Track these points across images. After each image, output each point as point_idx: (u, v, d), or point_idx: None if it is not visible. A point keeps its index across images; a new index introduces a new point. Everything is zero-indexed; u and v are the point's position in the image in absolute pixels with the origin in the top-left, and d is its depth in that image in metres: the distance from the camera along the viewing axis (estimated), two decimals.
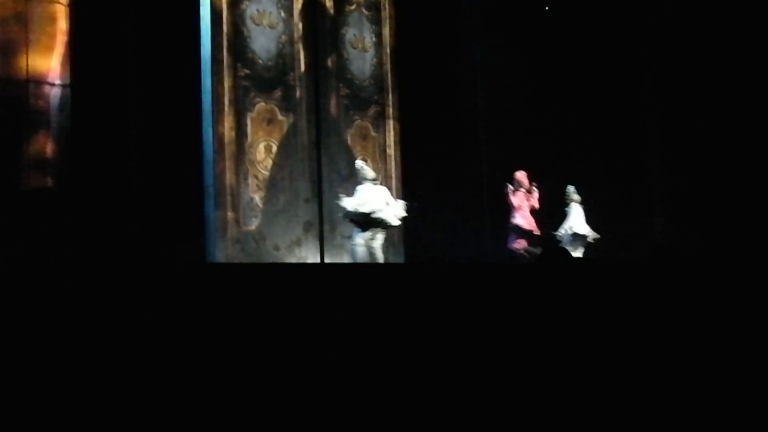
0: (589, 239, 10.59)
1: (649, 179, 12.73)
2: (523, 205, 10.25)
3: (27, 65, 8.49)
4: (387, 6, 11.80)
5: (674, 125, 12.47)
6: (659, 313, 4.58)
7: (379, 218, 9.26)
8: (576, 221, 10.66)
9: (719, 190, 11.43)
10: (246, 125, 10.14)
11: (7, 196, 8.20)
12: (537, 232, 10.24)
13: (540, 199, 10.52)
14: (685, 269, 4.96)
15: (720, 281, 5.10)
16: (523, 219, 10.16)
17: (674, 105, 12.46)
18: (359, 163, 10.01)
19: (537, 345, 4.31)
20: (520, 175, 10.46)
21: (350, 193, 9.62)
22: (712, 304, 4.77)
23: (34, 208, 8.27)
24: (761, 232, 10.60)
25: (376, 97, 11.57)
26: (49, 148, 8.57)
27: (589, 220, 11.09)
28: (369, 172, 9.73)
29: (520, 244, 10.18)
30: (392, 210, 9.43)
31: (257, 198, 10.11)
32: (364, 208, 9.22)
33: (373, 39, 11.65)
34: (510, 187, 10.44)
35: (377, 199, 9.36)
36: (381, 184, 10.15)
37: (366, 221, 9.29)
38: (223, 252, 9.65)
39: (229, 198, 9.83)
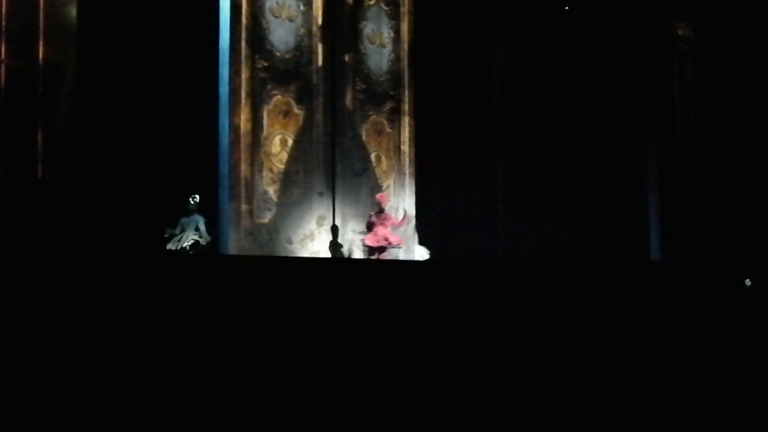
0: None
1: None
2: (378, 225, 10.18)
3: (40, 54, 8.50)
4: (406, 2, 11.79)
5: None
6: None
7: None
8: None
9: None
10: (262, 117, 10.15)
11: (20, 185, 8.22)
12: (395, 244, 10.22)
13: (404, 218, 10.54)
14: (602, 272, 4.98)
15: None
16: (373, 238, 10.12)
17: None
18: None
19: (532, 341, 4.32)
20: (379, 197, 10.40)
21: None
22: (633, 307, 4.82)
23: (47, 197, 8.29)
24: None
25: (392, 93, 11.56)
26: (62, 138, 8.56)
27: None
28: None
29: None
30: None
31: (271, 191, 10.12)
32: None
33: (392, 34, 11.64)
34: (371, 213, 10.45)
35: None
36: (394, 180, 10.22)
37: None
38: (237, 243, 9.66)
39: (243, 190, 9.84)
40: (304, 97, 10.57)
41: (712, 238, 12.40)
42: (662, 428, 4.38)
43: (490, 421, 4.18)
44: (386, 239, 9.99)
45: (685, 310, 4.97)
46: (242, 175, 9.85)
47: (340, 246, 10.23)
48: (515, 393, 4.29)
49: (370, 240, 10.04)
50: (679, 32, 13.30)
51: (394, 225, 10.18)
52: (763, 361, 4.78)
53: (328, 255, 10.12)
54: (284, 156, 10.30)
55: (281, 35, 10.40)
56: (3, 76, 8.26)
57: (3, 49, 8.26)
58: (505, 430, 4.19)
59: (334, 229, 10.01)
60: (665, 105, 13.06)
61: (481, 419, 4.17)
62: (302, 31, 10.60)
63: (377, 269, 5.61)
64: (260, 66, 10.17)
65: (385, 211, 10.18)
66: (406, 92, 11.69)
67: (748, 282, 6.29)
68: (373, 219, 10.14)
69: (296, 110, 10.50)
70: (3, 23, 8.26)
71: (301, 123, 10.52)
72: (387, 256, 10.01)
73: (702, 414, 4.49)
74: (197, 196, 9.09)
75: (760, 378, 4.66)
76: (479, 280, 4.84)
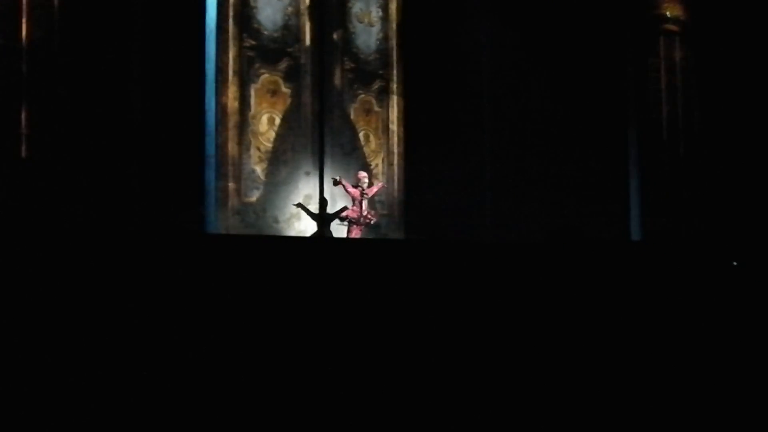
0: None
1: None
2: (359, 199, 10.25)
3: (24, 32, 8.45)
4: None
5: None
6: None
7: None
8: None
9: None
10: (250, 96, 10.12)
11: (5, 165, 8.19)
12: (370, 219, 10.25)
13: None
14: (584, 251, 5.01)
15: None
16: (353, 211, 10.20)
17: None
18: None
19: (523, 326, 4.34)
20: (361, 175, 10.42)
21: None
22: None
23: (34, 177, 8.27)
24: None
25: (380, 72, 11.54)
26: (46, 117, 8.53)
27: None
28: None
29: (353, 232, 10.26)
30: None
31: (259, 170, 10.12)
32: None
33: (380, 13, 11.60)
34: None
35: None
36: (383, 159, 10.20)
37: None
38: (223, 223, 9.66)
39: (231, 169, 9.83)
40: (292, 76, 10.54)
41: (694, 219, 12.52)
42: (647, 412, 4.41)
43: (477, 403, 4.21)
44: (366, 214, 10.04)
45: (666, 289, 5.00)
46: (229, 154, 9.84)
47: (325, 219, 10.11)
48: (500, 375, 4.31)
49: (355, 213, 10.04)
50: (667, 13, 13.30)
51: (367, 194, 10.16)
52: (749, 343, 4.81)
53: (314, 231, 10.12)
54: (272, 135, 10.29)
55: (269, 14, 10.36)
56: None
57: None
58: (492, 411, 4.21)
59: (323, 202, 9.95)
60: (653, 86, 13.11)
61: (469, 401, 4.19)
62: (290, 9, 10.56)
63: (363, 248, 5.62)
64: (248, 45, 10.14)
65: (365, 186, 10.17)
66: (395, 71, 11.67)
67: (734, 263, 6.33)
68: (356, 193, 10.14)
69: (284, 89, 10.47)
70: None
71: (289, 102, 10.50)
72: (361, 230, 10.08)
73: (688, 398, 4.52)
74: None
75: (746, 361, 4.69)
76: (463, 260, 4.85)
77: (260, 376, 3.93)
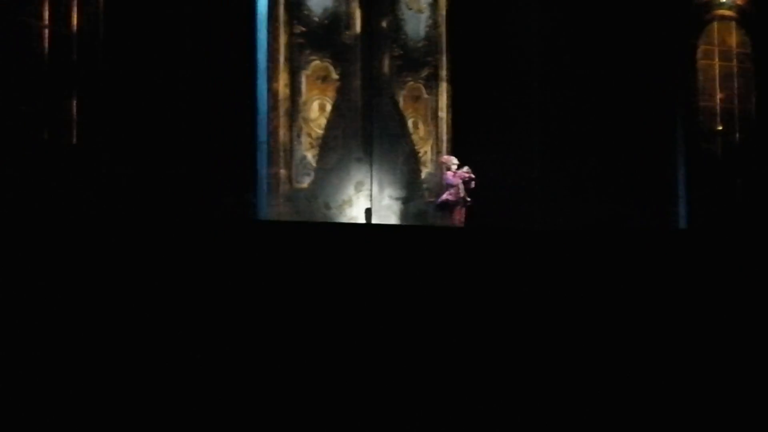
0: None
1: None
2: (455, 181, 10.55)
3: (75, 19, 8.55)
4: None
5: None
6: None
7: None
8: None
9: None
10: (301, 83, 10.18)
11: (58, 151, 8.32)
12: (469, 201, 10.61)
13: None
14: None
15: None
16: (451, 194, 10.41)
17: None
18: None
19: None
20: (446, 158, 10.77)
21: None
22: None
23: (84, 165, 8.39)
24: None
25: (429, 59, 11.51)
26: (98, 104, 8.63)
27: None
28: None
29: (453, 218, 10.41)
30: None
31: (310, 156, 10.18)
32: None
33: (429, 0, 11.57)
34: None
35: None
36: (432, 146, 10.34)
37: None
38: (275, 209, 9.74)
39: (282, 155, 9.91)
40: (341, 63, 10.57)
41: (748, 209, 12.34)
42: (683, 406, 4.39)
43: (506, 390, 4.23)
44: (464, 195, 10.47)
45: (712, 280, 4.95)
46: (281, 140, 9.91)
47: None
48: (542, 362, 4.32)
49: (453, 194, 10.28)
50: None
51: (462, 177, 10.50)
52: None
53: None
54: (323, 121, 10.34)
55: (318, 1, 10.40)
56: (47, 42, 8.35)
57: (46, 15, 8.34)
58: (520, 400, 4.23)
59: (368, 213, 10.20)
60: (706, 73, 12.93)
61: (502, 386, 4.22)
62: None
63: (411, 234, 5.65)
64: (298, 31, 10.19)
65: (454, 168, 10.58)
66: (443, 58, 11.63)
67: None
68: (451, 177, 10.54)
69: (334, 75, 10.51)
70: None
71: (338, 88, 10.53)
72: (462, 211, 10.23)
73: (731, 394, 4.49)
74: None
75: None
76: (511, 248, 4.86)
77: (333, 363, 3.98)
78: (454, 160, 10.60)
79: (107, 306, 3.67)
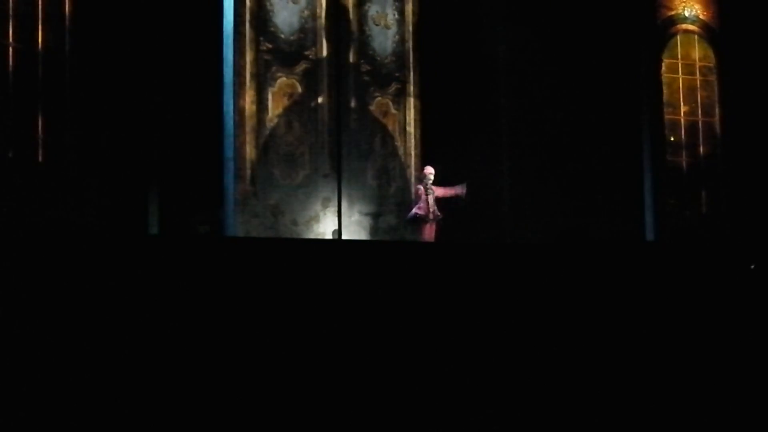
0: None
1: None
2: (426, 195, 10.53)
3: (40, 36, 8.50)
4: None
5: None
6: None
7: None
8: None
9: None
10: (267, 99, 10.16)
11: (23, 169, 8.24)
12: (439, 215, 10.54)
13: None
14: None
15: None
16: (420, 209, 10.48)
17: None
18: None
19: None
20: (427, 171, 10.69)
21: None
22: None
23: (50, 182, 8.32)
24: None
25: (397, 74, 11.54)
26: (63, 121, 8.57)
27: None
28: None
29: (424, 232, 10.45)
30: None
31: (277, 172, 10.15)
32: None
33: (396, 16, 11.60)
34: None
35: None
36: (401, 161, 10.34)
37: None
38: (242, 225, 9.69)
39: (248, 171, 9.87)
40: (308, 79, 10.56)
41: (712, 221, 12.49)
42: (656, 413, 4.40)
43: (485, 398, 4.22)
44: (434, 210, 10.36)
45: (678, 291, 4.98)
46: (247, 157, 9.88)
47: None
48: (511, 375, 4.32)
49: (423, 209, 10.29)
50: (686, 12, 13.27)
51: (445, 194, 10.49)
52: (763, 346, 4.79)
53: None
54: (290, 138, 10.31)
55: (285, 17, 10.39)
56: (11, 59, 8.28)
57: (10, 32, 8.27)
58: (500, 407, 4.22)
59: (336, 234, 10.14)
60: (670, 87, 13.11)
61: (477, 399, 4.20)
62: (306, 12, 10.57)
63: (379, 250, 5.64)
64: (264, 48, 10.18)
65: (430, 182, 10.49)
66: (411, 74, 11.66)
67: (752, 266, 6.28)
68: (421, 191, 10.49)
69: (301, 92, 10.50)
70: (10, 5, 8.28)
71: (306, 105, 10.52)
72: (432, 226, 10.33)
73: (697, 399, 4.51)
74: None
75: (759, 364, 4.67)
76: (476, 262, 4.86)
77: (284, 377, 3.95)
78: (431, 174, 10.50)
79: (73, 323, 3.62)
